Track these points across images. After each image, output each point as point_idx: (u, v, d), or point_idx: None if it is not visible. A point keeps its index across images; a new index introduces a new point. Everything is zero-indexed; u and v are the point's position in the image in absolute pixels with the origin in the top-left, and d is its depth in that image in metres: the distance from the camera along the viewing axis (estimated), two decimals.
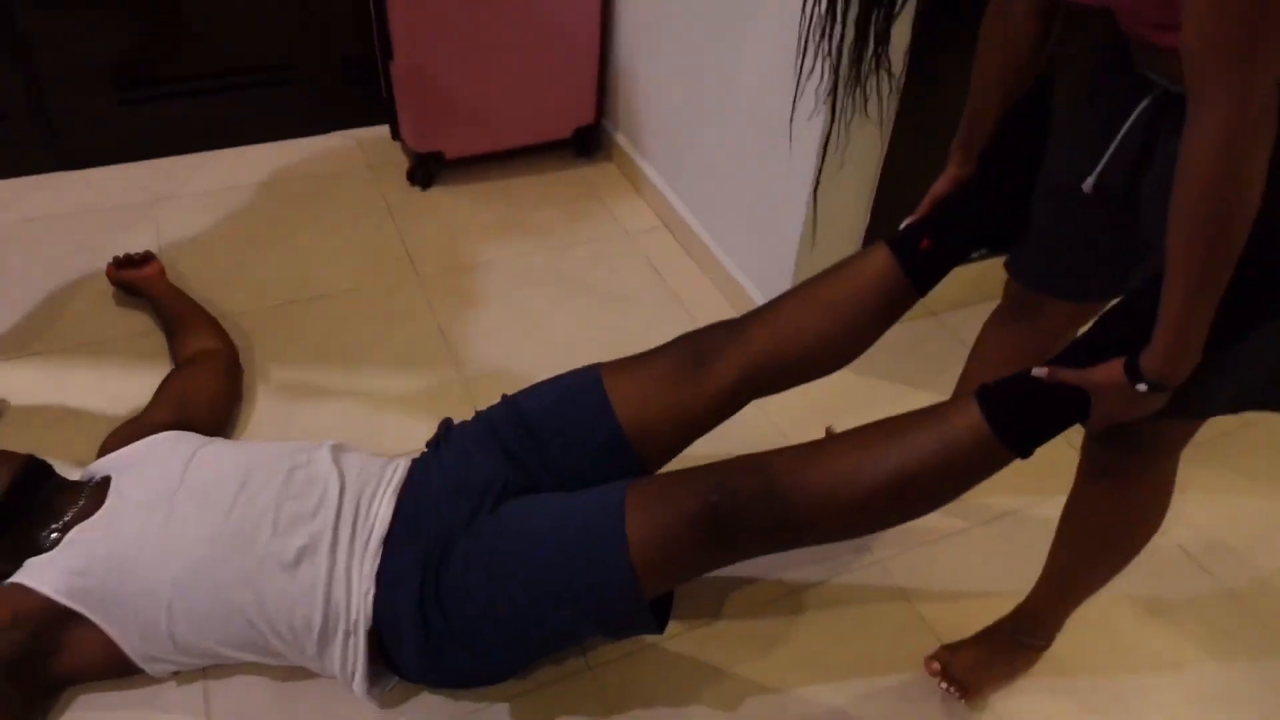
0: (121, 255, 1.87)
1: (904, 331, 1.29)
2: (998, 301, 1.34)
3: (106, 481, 1.26)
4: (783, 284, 1.79)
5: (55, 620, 1.15)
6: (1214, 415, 1.00)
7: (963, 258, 1.20)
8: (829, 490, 1.03)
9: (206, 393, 1.57)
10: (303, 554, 1.14)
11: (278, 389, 1.71)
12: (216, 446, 1.30)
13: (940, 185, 1.20)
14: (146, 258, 1.87)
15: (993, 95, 1.11)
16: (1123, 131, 0.98)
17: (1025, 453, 1.00)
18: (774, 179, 1.75)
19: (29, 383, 1.69)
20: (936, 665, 1.31)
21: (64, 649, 1.17)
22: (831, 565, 1.48)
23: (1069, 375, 0.95)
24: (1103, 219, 1.08)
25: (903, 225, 1.22)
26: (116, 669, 1.20)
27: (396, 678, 1.22)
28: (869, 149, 1.64)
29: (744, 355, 1.21)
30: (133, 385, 1.67)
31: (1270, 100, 0.73)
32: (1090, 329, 0.99)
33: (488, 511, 1.17)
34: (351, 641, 1.15)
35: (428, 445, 1.32)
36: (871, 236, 1.77)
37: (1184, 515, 1.60)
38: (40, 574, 1.16)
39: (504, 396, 1.31)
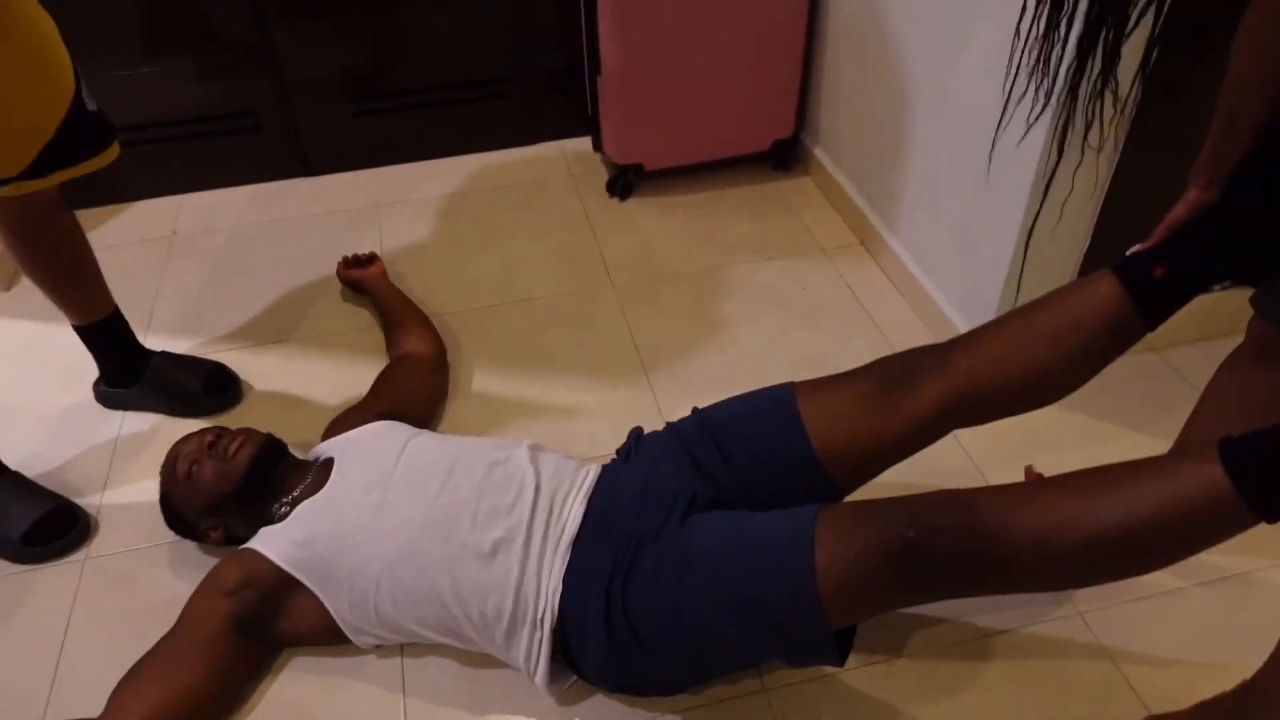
0: (350, 255, 2.04)
1: (1120, 366, 1.19)
2: (1234, 339, 1.22)
3: (330, 463, 1.38)
4: (986, 311, 1.71)
5: (280, 585, 1.27)
6: None
7: (1202, 289, 1.09)
8: (1038, 538, 0.97)
9: (418, 388, 1.69)
10: (498, 546, 1.20)
11: (480, 386, 1.81)
12: (426, 438, 1.38)
13: (1179, 211, 1.09)
14: (371, 258, 2.03)
15: (1251, 107, 0.99)
16: None
17: (1271, 517, 0.89)
18: (982, 202, 1.67)
19: (267, 369, 1.87)
20: None
21: (286, 613, 1.29)
22: (1026, 613, 1.39)
23: None
24: None
25: (1130, 251, 1.12)
26: (328, 636, 1.31)
27: (575, 676, 1.26)
28: (1088, 179, 1.53)
29: (946, 383, 1.16)
30: (355, 376, 1.82)
31: None
32: None
33: (676, 522, 1.18)
34: (537, 635, 1.19)
35: (618, 453, 1.35)
36: (1088, 270, 1.65)
37: None
38: (271, 543, 1.29)
39: (695, 409, 1.32)
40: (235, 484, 1.34)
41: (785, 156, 2.39)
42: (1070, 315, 1.13)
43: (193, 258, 2.20)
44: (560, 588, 1.18)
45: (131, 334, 1.75)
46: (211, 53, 2.23)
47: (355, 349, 1.91)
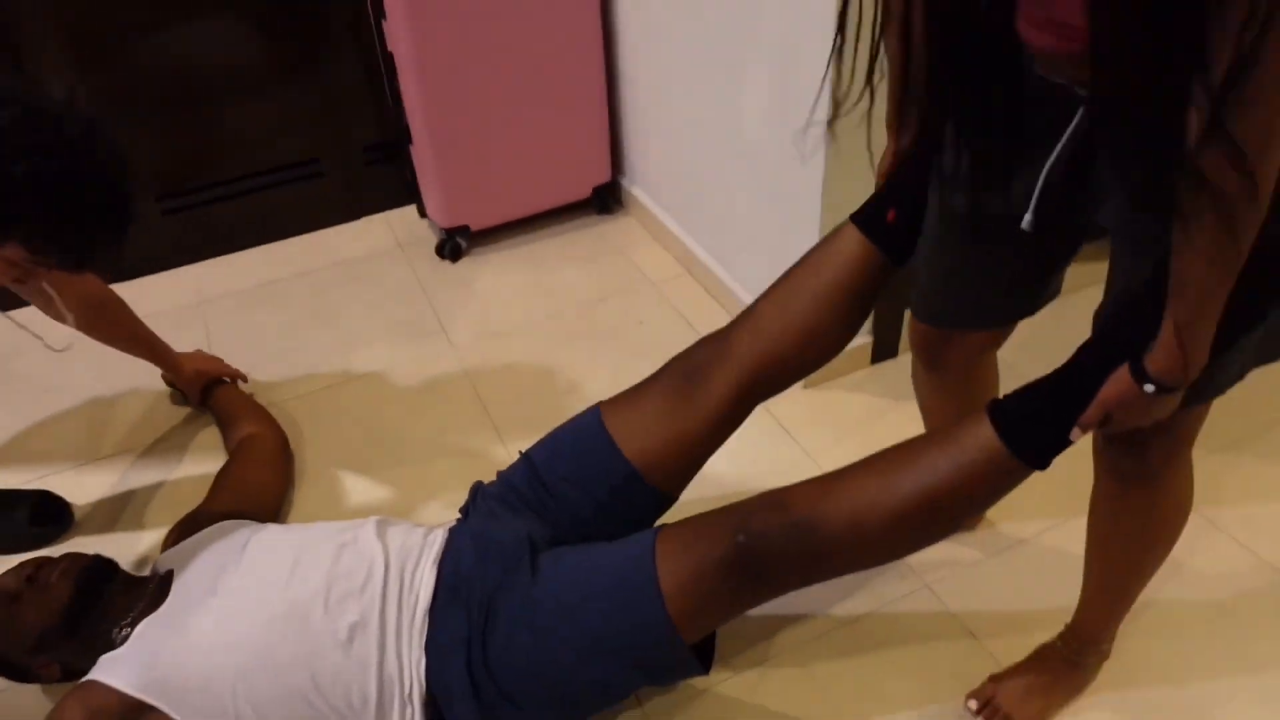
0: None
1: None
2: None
3: (169, 576, 1.32)
4: None
5: (129, 713, 1.19)
6: (1221, 394, 0.99)
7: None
8: (852, 520, 1.05)
9: (258, 478, 1.64)
10: (354, 630, 1.18)
11: (329, 469, 1.78)
12: (269, 532, 1.34)
13: (886, 161, 1.18)
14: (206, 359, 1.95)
15: (898, 70, 1.06)
16: (1051, 159, 0.94)
17: (1042, 464, 1.00)
18: (784, 210, 1.78)
19: (98, 487, 1.78)
20: (975, 703, 1.29)
21: None
22: (878, 595, 1.48)
23: (1089, 417, 0.94)
24: (1026, 246, 1.04)
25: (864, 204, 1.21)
26: None
27: None
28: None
29: (735, 366, 1.22)
30: (194, 481, 1.75)
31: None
32: (1082, 347, 0.98)
33: (524, 574, 1.19)
34: (408, 711, 1.17)
35: (460, 511, 1.36)
36: None
37: (1236, 505, 1.57)
38: (113, 670, 1.21)
39: (520, 453, 1.35)
40: (58, 616, 1.26)
41: (606, 200, 2.47)
42: (828, 272, 1.20)
43: (3, 384, 2.07)
44: (424, 659, 1.17)
45: None
46: None
47: (192, 452, 1.84)
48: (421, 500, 1.70)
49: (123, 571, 1.37)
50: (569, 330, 2.09)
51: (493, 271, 2.31)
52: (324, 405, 1.93)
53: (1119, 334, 0.94)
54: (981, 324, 1.22)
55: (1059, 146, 0.93)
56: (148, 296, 2.31)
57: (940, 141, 1.05)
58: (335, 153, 2.44)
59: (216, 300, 2.29)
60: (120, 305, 1.74)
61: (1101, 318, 0.99)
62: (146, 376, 2.03)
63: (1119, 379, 0.91)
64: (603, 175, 2.43)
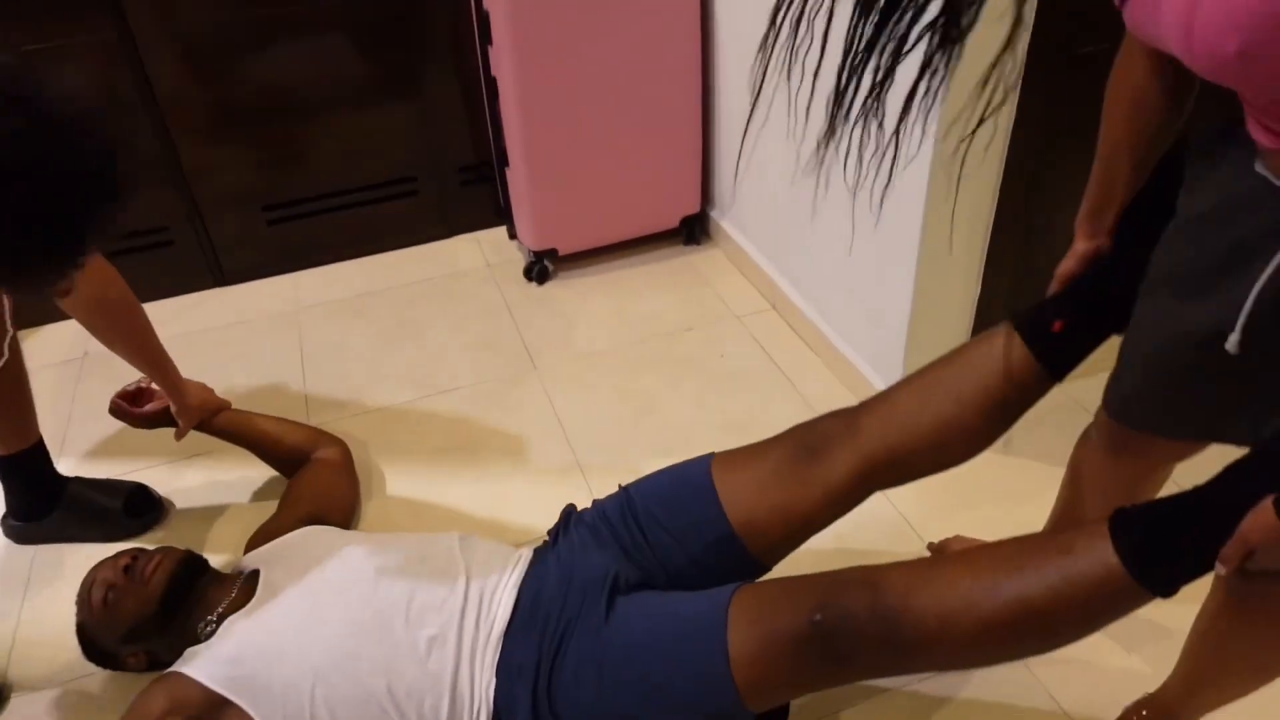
0: (131, 389, 1.72)
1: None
2: None
3: (255, 575, 1.35)
4: (895, 361, 1.78)
5: (211, 708, 1.21)
6: None
7: (1101, 339, 1.11)
8: (943, 618, 0.98)
9: (334, 490, 1.67)
10: (432, 644, 1.19)
11: (409, 482, 1.81)
12: (353, 539, 1.37)
13: (1068, 264, 1.10)
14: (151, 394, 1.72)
15: (1123, 161, 1.01)
16: (1268, 271, 0.82)
17: (1167, 593, 0.90)
18: (878, 252, 1.75)
19: (191, 486, 1.84)
20: None
21: None
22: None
23: (1231, 553, 0.85)
24: (1238, 367, 0.90)
25: (1030, 307, 1.13)
26: None
27: None
28: (977, 214, 1.63)
29: (857, 450, 1.16)
30: (281, 486, 1.80)
31: None
32: (1226, 469, 0.89)
33: (600, 611, 1.17)
34: None
35: (549, 534, 1.36)
36: (984, 306, 1.74)
37: None
38: (197, 663, 1.24)
39: (620, 486, 1.33)
40: (153, 605, 1.31)
41: (694, 231, 2.48)
42: (974, 373, 1.13)
43: (107, 378, 2.16)
44: (494, 680, 1.17)
45: (50, 463, 1.71)
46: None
47: None
48: (498, 518, 1.71)
49: (212, 568, 1.41)
50: (651, 358, 2.10)
51: (578, 296, 2.34)
52: (407, 418, 1.97)
53: (1276, 460, 0.85)
54: (1181, 436, 1.08)
55: (1276, 259, 0.82)
56: (247, 302, 2.40)
57: (1144, 244, 0.98)
58: (431, 171, 2.51)
59: (310, 309, 2.36)
60: (131, 312, 1.57)
61: (1263, 438, 0.91)
62: (245, 377, 2.11)
63: (1264, 510, 0.81)
64: (692, 206, 2.44)
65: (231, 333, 2.29)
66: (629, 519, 1.26)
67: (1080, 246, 1.09)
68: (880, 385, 1.84)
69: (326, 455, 1.73)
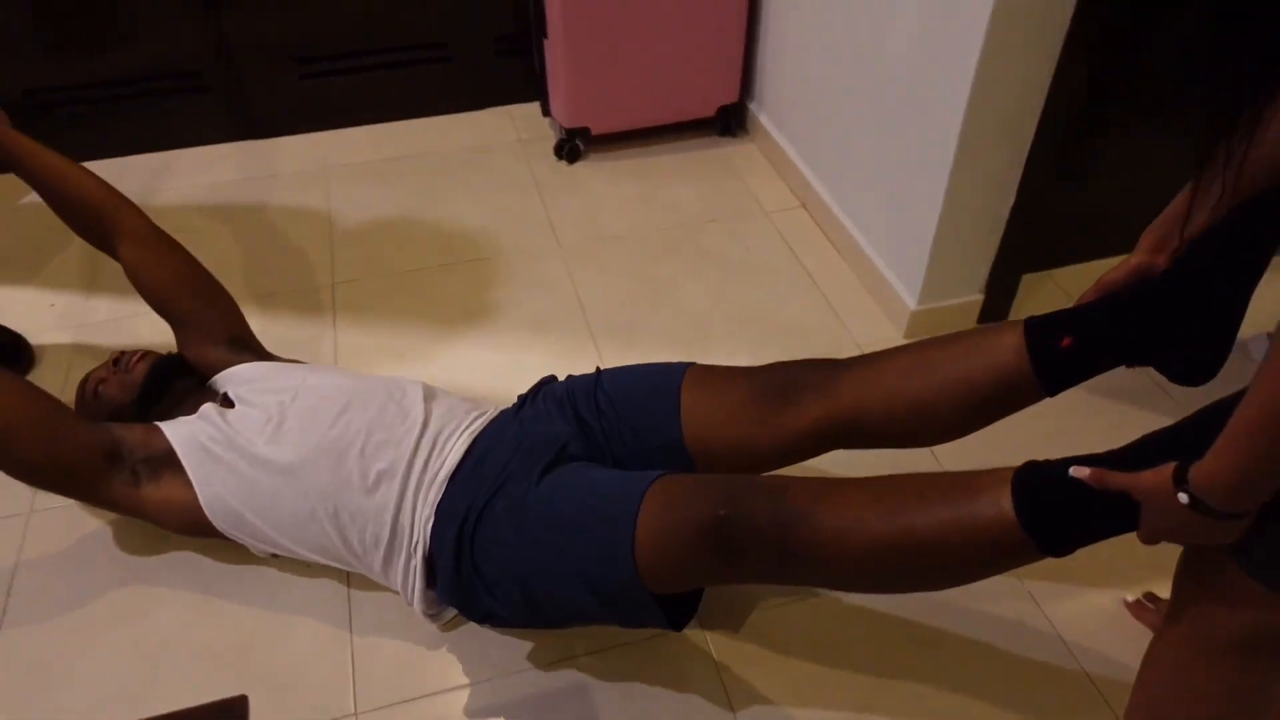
0: None
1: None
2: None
3: (229, 397, 1.41)
4: (918, 271, 1.77)
5: (166, 461, 1.32)
6: None
7: (1108, 367, 1.02)
8: (835, 532, 0.98)
9: (193, 280, 1.55)
10: (381, 477, 1.25)
11: (427, 344, 1.84)
12: (326, 373, 1.42)
13: (1116, 273, 1.00)
14: None
15: (1217, 180, 0.88)
16: None
17: (1057, 552, 0.89)
18: (914, 158, 1.73)
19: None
20: None
21: (157, 483, 1.32)
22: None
23: (1117, 480, 0.83)
24: None
25: (1049, 314, 1.05)
26: (192, 526, 1.33)
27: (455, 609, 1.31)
28: (1017, 128, 1.60)
29: (827, 407, 1.15)
30: (298, 336, 1.83)
31: None
32: (1158, 431, 0.87)
33: (536, 470, 1.19)
34: (411, 563, 1.25)
35: (519, 398, 1.39)
36: (1011, 229, 1.72)
37: None
38: (174, 427, 1.35)
39: (597, 369, 1.35)
40: (133, 392, 1.40)
41: (730, 122, 2.44)
42: (967, 366, 1.09)
43: None
44: (433, 518, 1.22)
45: None
46: (155, 14, 2.21)
47: (303, 310, 1.93)
48: (511, 386, 1.74)
49: (198, 377, 1.49)
50: (673, 245, 2.10)
51: (607, 178, 2.32)
52: (430, 283, 1.99)
53: (1187, 433, 0.82)
54: None
55: None
56: (277, 157, 2.39)
57: (1203, 282, 0.87)
58: (466, 39, 2.46)
59: (338, 169, 2.35)
60: None
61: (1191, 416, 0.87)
62: (271, 231, 2.12)
63: (1159, 473, 0.79)
64: (730, 96, 2.39)
65: (260, 186, 2.29)
66: (594, 402, 1.28)
67: (1134, 259, 0.99)
68: (902, 293, 1.84)
69: (134, 228, 1.53)
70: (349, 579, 1.42)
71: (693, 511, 1.05)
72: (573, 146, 2.36)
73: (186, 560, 1.45)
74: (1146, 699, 0.99)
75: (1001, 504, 0.90)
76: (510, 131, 2.50)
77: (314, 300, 1.95)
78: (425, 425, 1.29)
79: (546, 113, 2.47)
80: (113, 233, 1.52)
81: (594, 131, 2.34)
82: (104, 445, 1.30)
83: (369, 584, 1.40)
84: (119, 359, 1.45)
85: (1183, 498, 0.76)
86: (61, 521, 1.51)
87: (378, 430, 1.28)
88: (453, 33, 2.44)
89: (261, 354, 1.55)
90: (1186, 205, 0.93)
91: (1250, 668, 0.89)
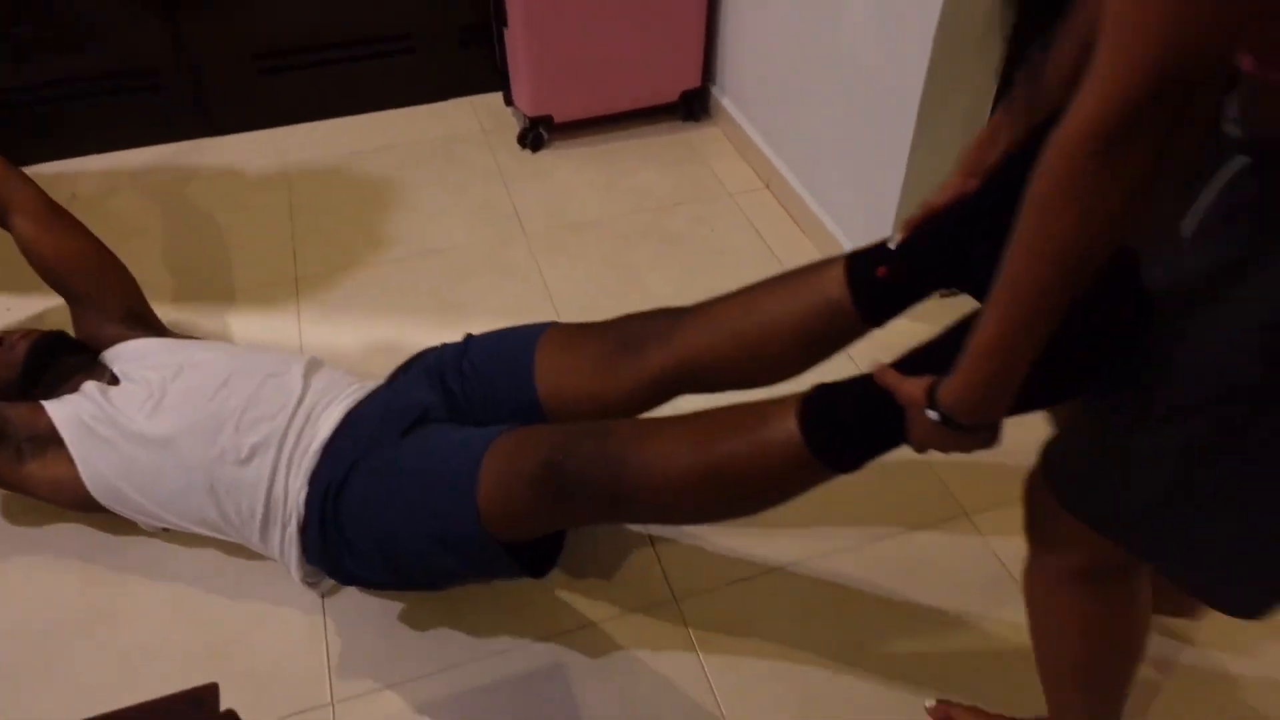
0: None
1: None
2: None
3: (115, 375, 1.43)
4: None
5: (49, 438, 1.35)
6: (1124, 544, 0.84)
7: (926, 294, 1.04)
8: (651, 469, 1.02)
9: (95, 265, 1.57)
10: (255, 450, 1.28)
11: (396, 335, 1.83)
12: (211, 350, 1.45)
13: (938, 195, 1.01)
14: None
15: (1020, 100, 0.93)
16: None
17: (843, 469, 0.93)
18: (874, 134, 1.74)
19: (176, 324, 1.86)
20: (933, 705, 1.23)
21: (42, 461, 1.35)
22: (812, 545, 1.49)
23: (890, 379, 0.87)
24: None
25: (869, 245, 1.07)
26: (79, 503, 1.37)
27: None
28: (973, 103, 1.61)
29: (671, 352, 1.17)
30: (271, 330, 1.82)
31: (1162, 113, 0.58)
32: (939, 336, 0.90)
33: (397, 433, 1.23)
34: (286, 533, 1.28)
35: (395, 371, 1.41)
36: None
37: None
38: (56, 405, 1.37)
39: (467, 335, 1.37)
40: (16, 370, 1.43)
41: (694, 107, 2.44)
42: (793, 303, 1.10)
43: (94, 221, 2.14)
44: (305, 489, 1.25)
45: None
46: (111, 14, 2.17)
47: (268, 306, 1.91)
48: None
49: (82, 351, 1.50)
50: (639, 230, 2.10)
51: (572, 166, 2.32)
52: (397, 276, 1.98)
53: (950, 345, 0.81)
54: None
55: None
56: (235, 154, 2.37)
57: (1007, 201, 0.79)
58: (428, 30, 2.44)
59: (301, 164, 2.33)
60: None
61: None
62: (232, 227, 2.10)
63: (917, 385, 0.83)
64: (692, 81, 2.39)
65: (220, 183, 2.27)
66: (460, 366, 1.31)
67: (956, 180, 1.00)
68: None
69: (27, 202, 1.54)
70: None
71: (527, 460, 1.08)
72: (536, 135, 2.35)
73: (153, 558, 1.44)
74: (1035, 642, 1.04)
75: (789, 425, 0.94)
76: (474, 121, 2.49)
77: (278, 295, 1.93)
78: (301, 399, 1.32)
79: (509, 102, 2.46)
80: (6, 207, 1.53)
81: (557, 119, 2.34)
82: None
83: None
84: (1, 339, 1.47)
85: (932, 414, 0.80)
86: (30, 518, 1.49)
87: (254, 405, 1.31)
88: (415, 23, 2.42)
89: (158, 330, 1.56)
90: (992, 128, 0.96)
91: (1101, 597, 0.94)
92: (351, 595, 1.38)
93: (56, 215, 1.56)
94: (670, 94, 2.40)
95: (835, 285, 1.06)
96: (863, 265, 1.05)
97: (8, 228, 1.55)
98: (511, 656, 1.31)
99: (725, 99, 2.39)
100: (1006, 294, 0.70)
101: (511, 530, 1.12)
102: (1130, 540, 0.84)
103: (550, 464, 1.06)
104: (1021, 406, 0.81)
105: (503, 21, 2.26)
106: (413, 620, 1.35)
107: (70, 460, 1.33)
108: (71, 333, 1.55)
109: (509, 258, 2.02)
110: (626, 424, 1.09)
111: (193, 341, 1.51)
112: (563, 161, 2.33)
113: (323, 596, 1.38)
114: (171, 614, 1.37)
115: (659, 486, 1.02)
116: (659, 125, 2.45)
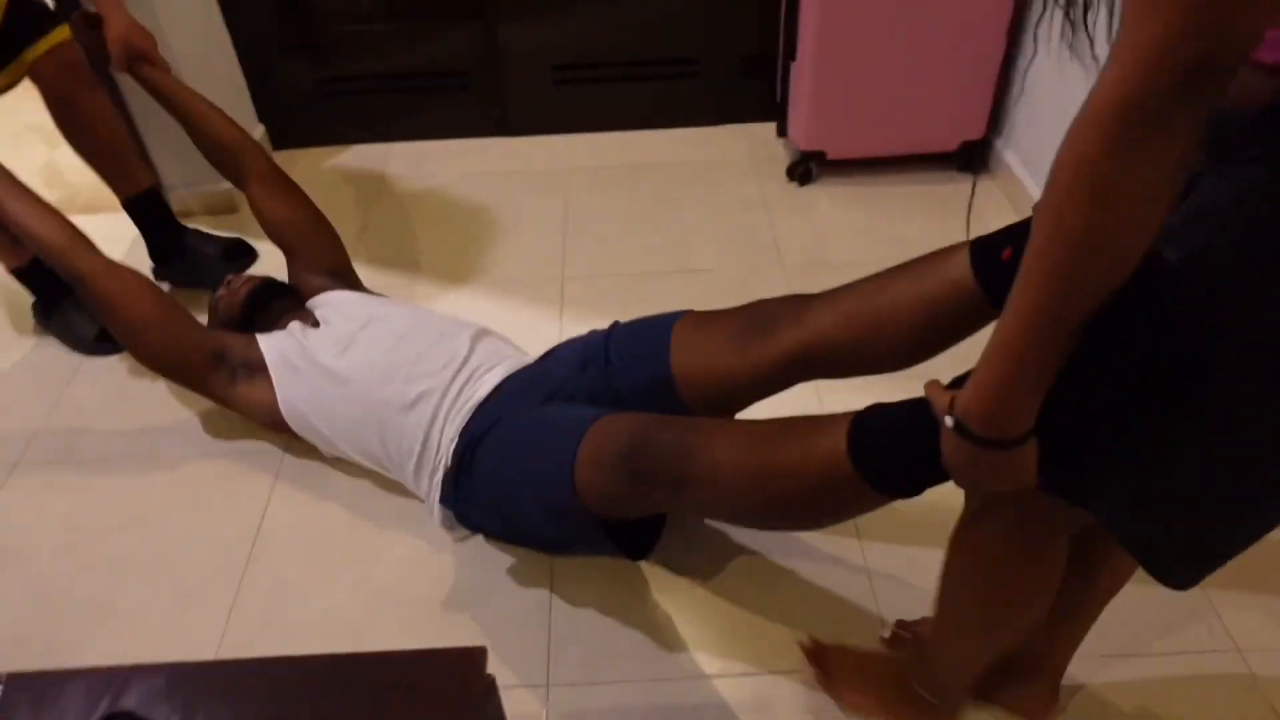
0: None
1: None
2: None
3: (316, 319, 1.65)
4: None
5: (257, 365, 1.57)
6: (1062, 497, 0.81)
7: None
8: (714, 468, 1.05)
9: (305, 222, 1.80)
10: (418, 399, 1.43)
11: None
12: (398, 307, 1.63)
13: None
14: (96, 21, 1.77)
15: None
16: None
17: (885, 488, 0.91)
18: None
19: (459, 306, 2.03)
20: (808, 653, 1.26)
21: (251, 383, 1.57)
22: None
23: (932, 390, 0.81)
24: None
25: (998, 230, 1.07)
26: (272, 424, 1.59)
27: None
28: None
29: (796, 336, 1.20)
30: (526, 320, 1.95)
31: (1174, 100, 0.55)
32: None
33: (532, 403, 1.36)
34: (434, 478, 1.41)
35: (554, 347, 1.50)
36: None
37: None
38: (267, 340, 1.60)
39: (614, 322, 1.44)
40: (238, 308, 1.68)
41: (972, 158, 2.36)
42: (919, 288, 1.11)
43: (395, 202, 2.39)
44: (456, 440, 1.38)
45: (169, 213, 2.04)
46: (435, 15, 2.42)
47: (534, 299, 2.04)
48: None
49: (295, 297, 1.73)
50: None
51: (837, 204, 2.31)
52: (654, 288, 2.05)
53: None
54: None
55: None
56: (523, 155, 2.55)
57: None
58: (714, 57, 2.52)
59: (579, 171, 2.47)
60: None
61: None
62: (511, 222, 2.26)
63: (948, 394, 0.78)
64: (975, 132, 2.31)
65: (506, 181, 2.45)
66: (605, 347, 1.39)
67: None
68: None
69: (260, 170, 1.78)
70: (552, 562, 1.49)
71: (617, 440, 1.15)
72: (806, 169, 2.37)
73: (417, 512, 1.57)
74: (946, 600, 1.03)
75: (837, 435, 0.94)
76: (745, 149, 2.54)
77: (544, 291, 2.06)
78: (466, 360, 1.47)
79: (782, 133, 2.49)
80: (242, 172, 1.78)
81: (829, 156, 2.34)
82: (211, 348, 1.58)
83: (571, 560, 1.47)
84: (230, 281, 1.73)
85: (949, 421, 0.76)
86: (311, 466, 1.67)
87: (423, 359, 1.47)
88: (703, 50, 2.51)
89: (355, 286, 1.78)
90: None
91: (1016, 545, 0.92)
92: (578, 583, 1.45)
93: (284, 184, 1.79)
94: (950, 143, 2.34)
95: (960, 268, 1.08)
96: (988, 247, 1.06)
97: (244, 191, 1.80)
98: (724, 684, 1.32)
99: (1009, 153, 2.29)
100: (1019, 289, 0.67)
101: (602, 506, 1.19)
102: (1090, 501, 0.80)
103: (634, 445, 1.12)
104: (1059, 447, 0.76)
105: (791, 54, 2.29)
106: (632, 620, 1.40)
107: (271, 386, 1.55)
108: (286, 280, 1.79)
109: (764, 287, 2.04)
110: (710, 421, 1.14)
111: (383, 299, 1.69)
112: (828, 199, 2.33)
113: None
114: (418, 566, 1.49)
115: (714, 481, 1.06)
116: (932, 173, 2.39)
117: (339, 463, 1.65)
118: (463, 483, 1.35)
